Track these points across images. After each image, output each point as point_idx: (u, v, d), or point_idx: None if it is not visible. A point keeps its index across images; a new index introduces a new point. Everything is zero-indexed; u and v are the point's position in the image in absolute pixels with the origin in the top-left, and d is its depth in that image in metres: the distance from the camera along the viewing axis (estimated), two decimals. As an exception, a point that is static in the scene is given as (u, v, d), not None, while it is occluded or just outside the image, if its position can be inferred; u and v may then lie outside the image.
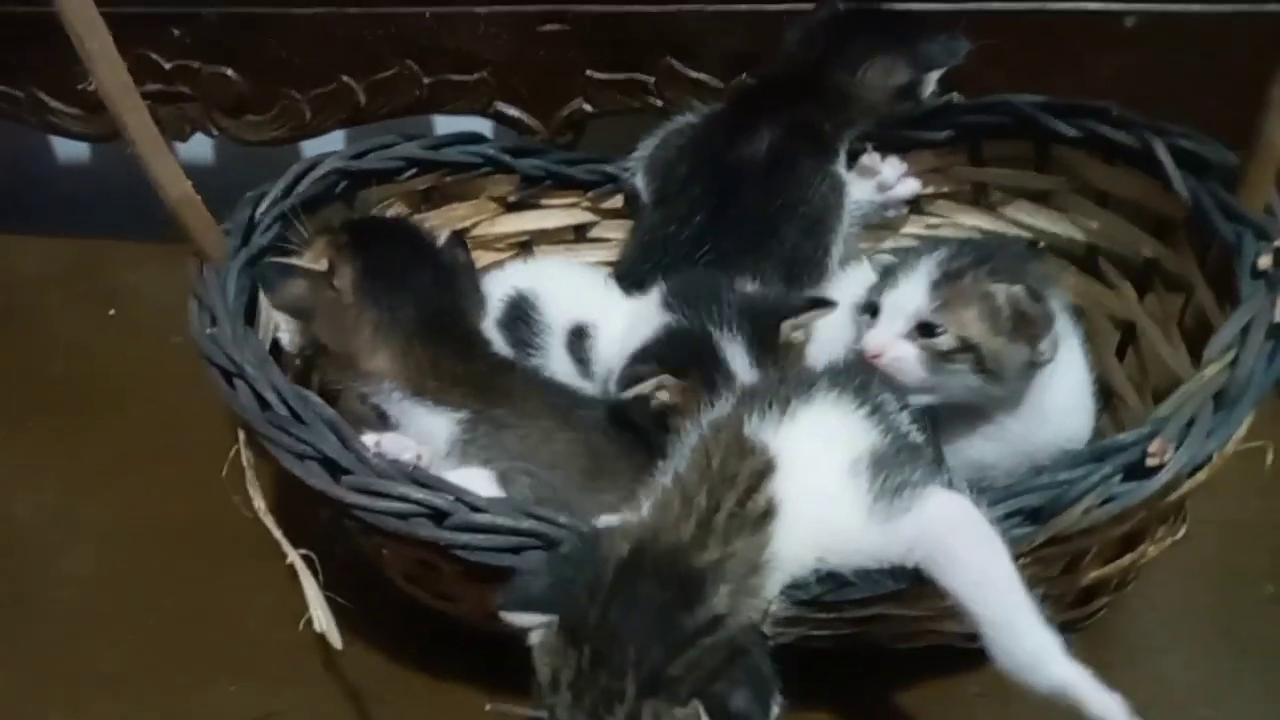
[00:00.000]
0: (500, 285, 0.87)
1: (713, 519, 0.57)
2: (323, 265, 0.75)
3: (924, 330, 0.71)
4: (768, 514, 0.58)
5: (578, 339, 0.85)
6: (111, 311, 1.20)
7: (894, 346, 0.72)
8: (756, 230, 0.85)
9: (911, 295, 0.72)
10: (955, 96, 0.89)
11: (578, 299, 0.86)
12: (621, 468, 0.74)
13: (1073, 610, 0.76)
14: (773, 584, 0.59)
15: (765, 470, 0.60)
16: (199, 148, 1.22)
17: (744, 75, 1.00)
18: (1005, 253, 0.75)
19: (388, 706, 0.77)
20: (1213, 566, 0.84)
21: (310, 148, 1.20)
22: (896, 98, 0.90)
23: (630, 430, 0.76)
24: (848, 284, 0.86)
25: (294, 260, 0.75)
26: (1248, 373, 0.61)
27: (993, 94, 0.88)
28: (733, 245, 0.85)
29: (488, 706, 0.63)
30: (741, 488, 0.59)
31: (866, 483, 0.60)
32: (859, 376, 0.69)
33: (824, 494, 0.60)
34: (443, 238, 0.82)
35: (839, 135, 0.89)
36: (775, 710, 0.55)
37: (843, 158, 0.90)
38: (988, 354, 0.70)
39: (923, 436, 0.69)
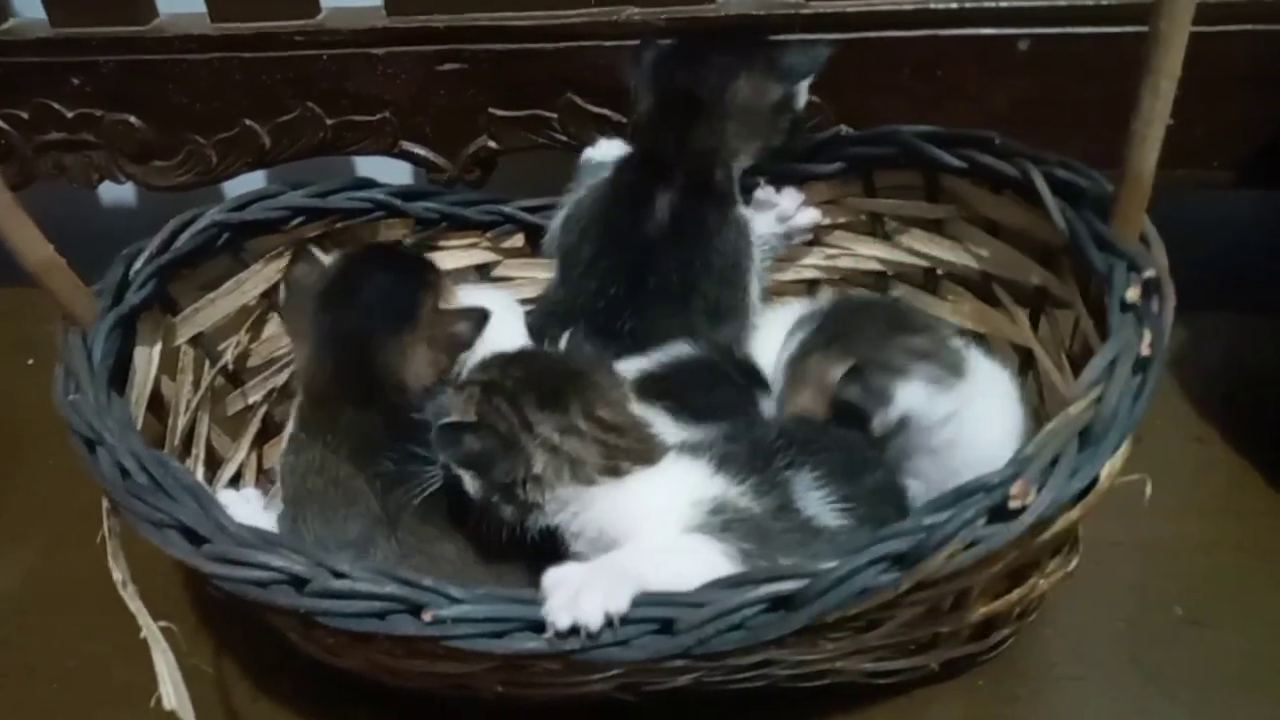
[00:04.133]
0: None
1: None
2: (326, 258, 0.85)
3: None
4: None
5: None
6: (30, 361, 1.18)
7: None
8: (679, 294, 0.86)
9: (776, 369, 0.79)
10: (844, 128, 0.88)
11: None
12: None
13: (973, 644, 0.75)
14: None
15: None
16: (125, 190, 1.21)
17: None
18: (871, 323, 0.78)
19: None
20: (1122, 589, 0.84)
21: (231, 188, 1.20)
22: (774, 114, 0.88)
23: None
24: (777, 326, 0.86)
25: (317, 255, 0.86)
26: (1113, 409, 0.60)
27: (887, 123, 0.87)
28: (657, 312, 0.85)
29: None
30: None
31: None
32: None
33: None
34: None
35: (730, 175, 0.88)
36: None
37: (739, 199, 0.89)
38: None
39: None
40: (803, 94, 0.89)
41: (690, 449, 0.71)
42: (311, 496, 0.75)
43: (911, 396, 0.74)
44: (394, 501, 0.73)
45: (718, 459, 0.69)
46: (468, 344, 0.80)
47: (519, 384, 0.68)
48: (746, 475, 0.69)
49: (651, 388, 0.77)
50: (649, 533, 0.66)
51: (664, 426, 0.75)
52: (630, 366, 0.81)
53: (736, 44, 0.89)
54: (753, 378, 0.82)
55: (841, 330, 0.77)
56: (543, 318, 0.90)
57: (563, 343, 0.77)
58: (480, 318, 0.80)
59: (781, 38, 0.92)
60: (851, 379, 0.73)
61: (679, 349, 0.82)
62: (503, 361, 0.72)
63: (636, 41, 0.96)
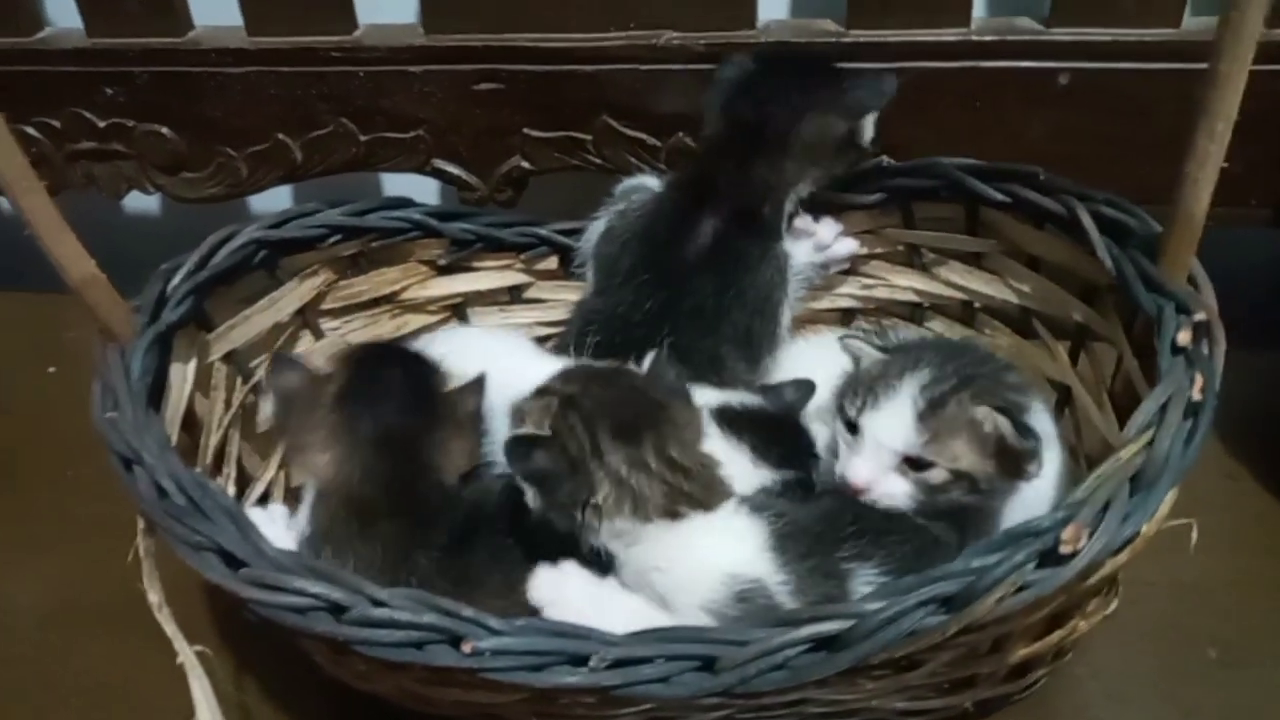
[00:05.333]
0: None
1: None
2: (326, 370, 0.78)
3: (914, 464, 0.70)
4: None
5: None
6: (52, 369, 1.18)
7: (882, 482, 0.70)
8: (711, 319, 0.86)
9: (896, 427, 0.69)
10: (885, 159, 0.88)
11: (513, 371, 0.80)
12: None
13: (1008, 684, 0.75)
14: None
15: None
16: (149, 199, 1.21)
17: (681, 135, 1.00)
18: (983, 367, 0.72)
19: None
20: (1157, 629, 0.83)
21: (257, 203, 1.20)
22: (838, 150, 0.88)
23: None
24: (808, 360, 0.86)
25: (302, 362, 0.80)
26: (1165, 454, 0.59)
27: (925, 155, 0.87)
28: (689, 335, 0.85)
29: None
30: None
31: None
32: None
33: None
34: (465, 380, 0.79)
35: (780, 209, 0.88)
36: None
37: (783, 233, 0.89)
38: (981, 478, 0.69)
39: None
40: (869, 128, 0.88)
41: (758, 507, 0.69)
42: None
43: (1043, 429, 0.71)
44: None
45: (779, 534, 0.67)
46: (482, 418, 0.78)
47: (597, 406, 0.67)
48: (804, 558, 0.67)
49: (733, 423, 0.76)
50: (686, 583, 0.66)
51: (743, 465, 0.73)
52: (709, 395, 0.79)
53: (809, 74, 0.87)
54: (809, 442, 0.79)
55: (966, 377, 0.70)
56: (581, 323, 0.89)
57: (647, 362, 0.75)
58: (479, 385, 0.78)
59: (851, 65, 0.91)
60: (1014, 422, 0.67)
61: (747, 396, 0.81)
62: (586, 376, 0.70)
63: (674, 66, 0.97)
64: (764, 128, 0.85)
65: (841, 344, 0.77)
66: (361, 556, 0.72)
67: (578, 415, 0.67)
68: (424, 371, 0.78)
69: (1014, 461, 0.69)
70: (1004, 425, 0.67)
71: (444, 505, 0.74)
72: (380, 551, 0.72)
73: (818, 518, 0.70)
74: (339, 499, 0.73)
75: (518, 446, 0.66)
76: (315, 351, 0.92)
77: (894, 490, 0.70)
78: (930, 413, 0.69)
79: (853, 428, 0.72)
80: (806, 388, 0.81)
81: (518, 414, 0.69)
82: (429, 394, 0.76)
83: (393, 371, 0.77)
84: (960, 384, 0.69)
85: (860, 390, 0.72)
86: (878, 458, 0.70)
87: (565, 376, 0.71)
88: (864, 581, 0.67)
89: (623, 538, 0.67)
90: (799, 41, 0.96)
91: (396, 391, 0.75)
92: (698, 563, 0.67)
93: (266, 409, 0.78)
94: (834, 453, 0.75)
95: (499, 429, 0.77)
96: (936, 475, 0.69)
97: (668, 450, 0.67)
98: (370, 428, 0.73)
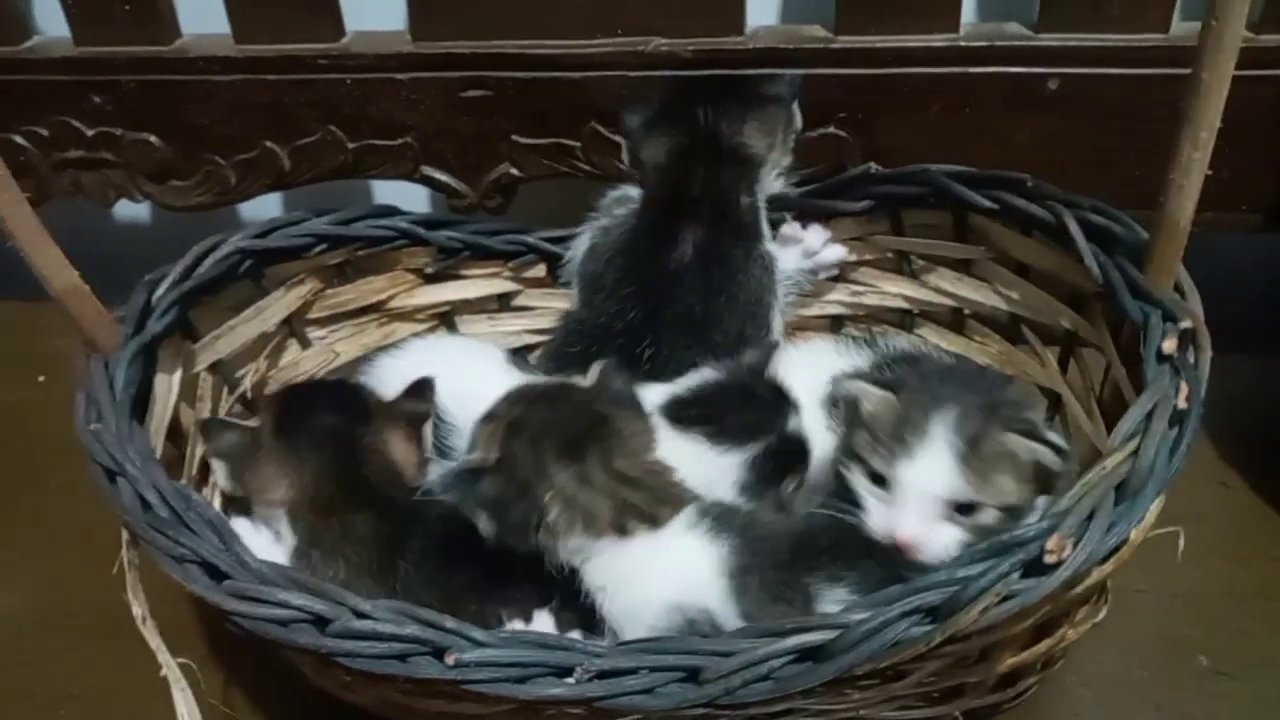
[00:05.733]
0: (388, 377, 0.85)
1: None
2: (256, 419, 0.80)
3: (964, 509, 0.66)
4: None
5: None
6: (41, 378, 1.17)
7: (933, 533, 0.65)
8: (699, 327, 0.85)
9: (940, 473, 0.65)
10: (874, 166, 0.87)
11: (484, 387, 0.78)
12: None
13: (997, 693, 0.74)
14: None
15: None
16: (138, 207, 1.21)
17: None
18: (998, 392, 0.70)
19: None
20: (1147, 638, 0.83)
21: (247, 210, 1.19)
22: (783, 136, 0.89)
23: None
24: (803, 363, 0.84)
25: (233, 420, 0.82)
26: (1150, 463, 0.59)
27: (913, 162, 0.87)
28: (675, 344, 0.85)
29: None
30: None
31: None
32: None
33: None
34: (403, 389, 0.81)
35: (755, 205, 0.88)
36: None
37: (767, 233, 0.89)
38: (1025, 507, 0.67)
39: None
40: (797, 115, 0.91)
41: (719, 525, 0.68)
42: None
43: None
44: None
45: (736, 557, 0.66)
46: (425, 414, 0.79)
47: (541, 426, 0.67)
48: (763, 586, 0.66)
49: (684, 414, 0.75)
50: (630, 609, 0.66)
51: (705, 456, 0.73)
52: (657, 393, 0.78)
53: (727, 87, 0.91)
54: (781, 395, 0.78)
55: (991, 404, 0.67)
56: (565, 336, 0.90)
57: (592, 374, 0.74)
58: (425, 386, 0.80)
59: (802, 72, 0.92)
60: (1049, 445, 0.65)
61: (705, 373, 0.80)
62: (530, 397, 0.70)
63: (662, 72, 0.97)
64: (716, 135, 0.87)
65: (836, 386, 0.73)
66: (350, 560, 0.73)
67: (523, 438, 0.67)
68: (349, 388, 0.83)
69: (1047, 481, 0.67)
70: (1043, 452, 0.65)
71: (407, 498, 0.75)
72: (364, 552, 0.73)
73: (790, 536, 0.68)
74: (308, 510, 0.75)
75: (464, 476, 0.67)
76: (303, 360, 0.92)
77: (947, 539, 0.65)
78: (972, 453, 0.65)
79: (880, 480, 0.68)
80: (768, 346, 0.81)
81: (470, 442, 0.70)
82: (357, 398, 0.79)
83: (318, 393, 0.82)
84: (989, 416, 0.66)
85: (882, 438, 0.67)
86: (923, 509, 0.65)
87: (511, 399, 0.71)
88: (832, 602, 0.65)
89: (579, 554, 0.67)
90: (786, 48, 0.96)
91: (325, 403, 0.78)
92: (642, 588, 0.66)
93: (219, 474, 0.80)
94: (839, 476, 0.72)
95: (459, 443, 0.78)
96: (988, 516, 0.66)
97: (613, 463, 0.67)
98: (308, 440, 0.76)
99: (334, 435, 0.76)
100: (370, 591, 0.69)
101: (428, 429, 0.79)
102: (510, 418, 0.69)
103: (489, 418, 0.70)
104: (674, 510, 0.68)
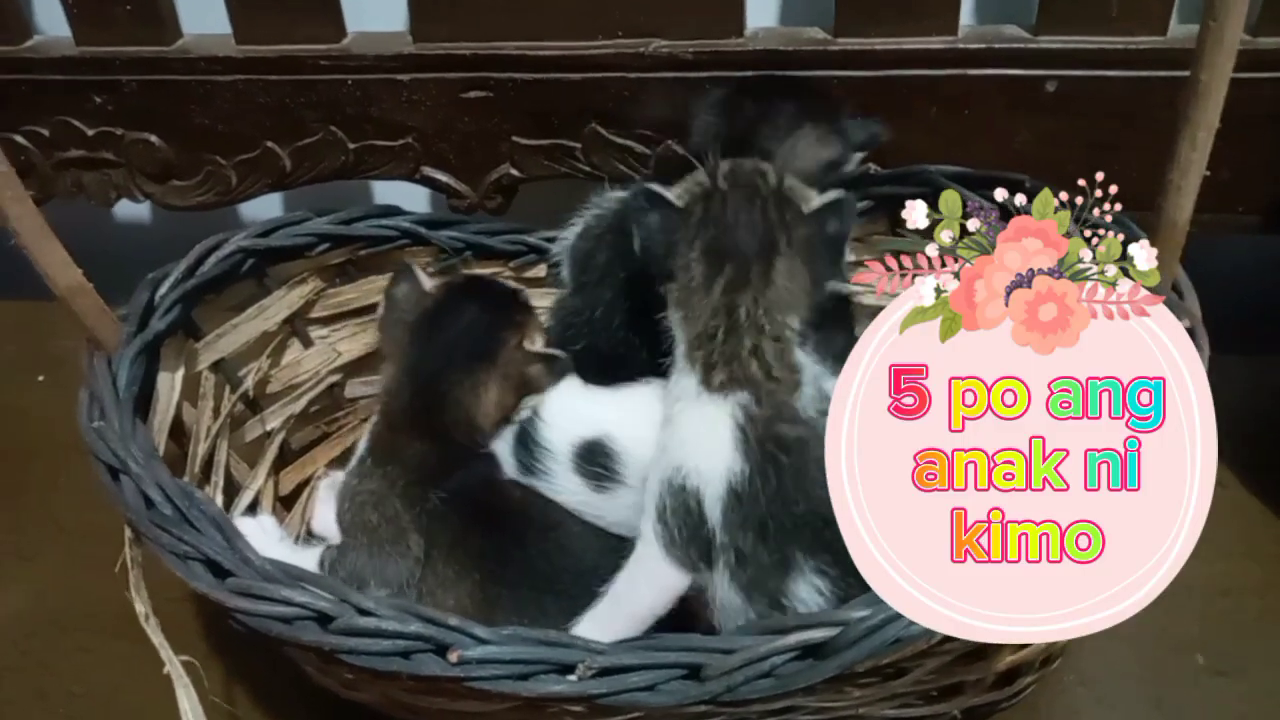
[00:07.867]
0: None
1: None
2: (430, 289, 0.82)
3: None
4: None
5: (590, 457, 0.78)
6: (41, 378, 1.18)
7: None
8: None
9: None
10: (872, 167, 0.88)
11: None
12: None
13: (996, 691, 0.74)
14: None
15: None
16: (139, 206, 1.21)
17: (670, 142, 1.00)
18: None
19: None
20: (1145, 635, 0.83)
21: (248, 210, 1.20)
22: (824, 172, 0.86)
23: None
24: None
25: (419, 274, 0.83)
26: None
27: (912, 162, 0.87)
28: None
29: None
30: None
31: None
32: None
33: None
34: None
35: None
36: None
37: None
38: None
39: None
40: (854, 163, 0.89)
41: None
42: (364, 530, 0.75)
43: None
44: (432, 539, 0.73)
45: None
46: (540, 388, 0.79)
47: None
48: None
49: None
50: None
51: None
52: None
53: (806, 92, 0.88)
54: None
55: None
56: (560, 325, 0.89)
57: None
58: (559, 364, 0.80)
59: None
60: None
61: None
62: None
63: (663, 74, 0.97)
64: (766, 126, 0.84)
65: None
66: (391, 479, 0.76)
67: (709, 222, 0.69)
68: (500, 318, 0.80)
69: None
70: None
71: (475, 445, 0.77)
72: (409, 474, 0.76)
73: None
74: (383, 410, 0.79)
75: (647, 194, 0.70)
76: (304, 359, 0.92)
77: None
78: None
79: None
80: None
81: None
82: (488, 339, 0.79)
83: (468, 310, 0.80)
84: None
85: None
86: None
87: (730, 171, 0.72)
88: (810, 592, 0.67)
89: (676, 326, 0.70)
90: (786, 50, 0.97)
91: (457, 329, 0.79)
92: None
93: (381, 310, 0.83)
94: None
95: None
96: None
97: (759, 314, 0.68)
98: (418, 354, 0.78)
99: (432, 364, 0.78)
100: (396, 512, 0.74)
101: (530, 401, 0.80)
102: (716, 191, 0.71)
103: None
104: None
